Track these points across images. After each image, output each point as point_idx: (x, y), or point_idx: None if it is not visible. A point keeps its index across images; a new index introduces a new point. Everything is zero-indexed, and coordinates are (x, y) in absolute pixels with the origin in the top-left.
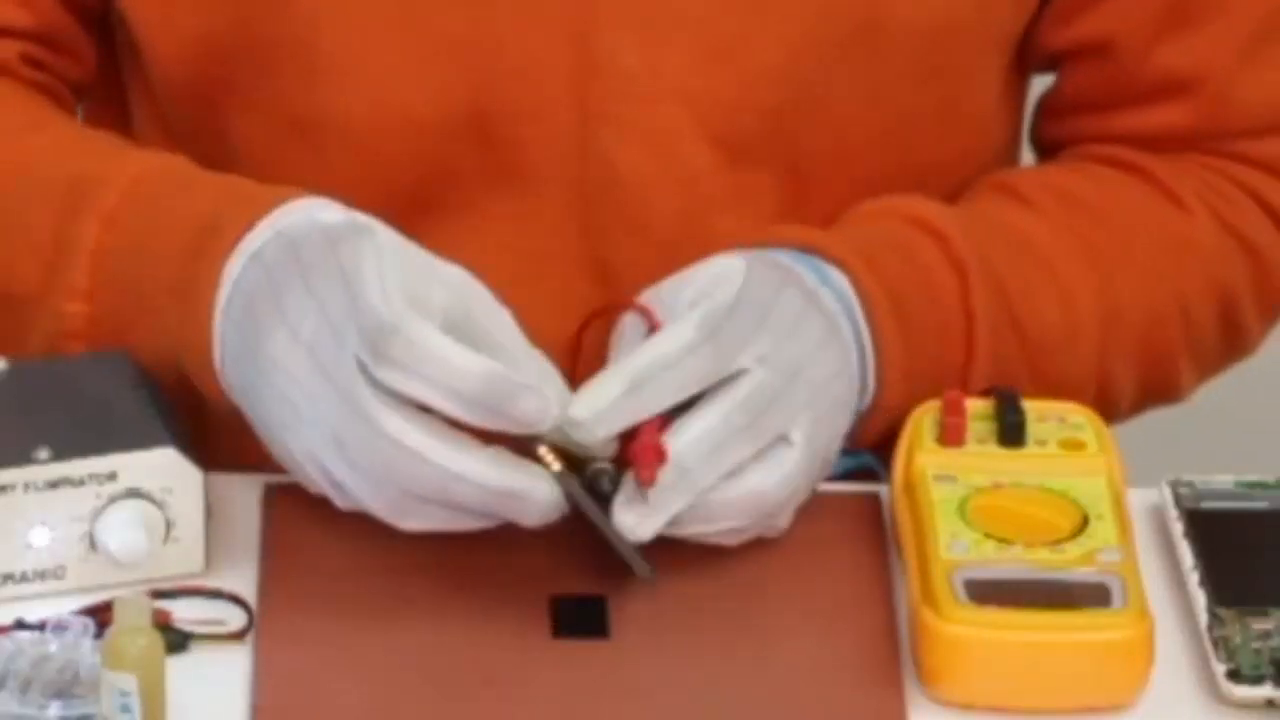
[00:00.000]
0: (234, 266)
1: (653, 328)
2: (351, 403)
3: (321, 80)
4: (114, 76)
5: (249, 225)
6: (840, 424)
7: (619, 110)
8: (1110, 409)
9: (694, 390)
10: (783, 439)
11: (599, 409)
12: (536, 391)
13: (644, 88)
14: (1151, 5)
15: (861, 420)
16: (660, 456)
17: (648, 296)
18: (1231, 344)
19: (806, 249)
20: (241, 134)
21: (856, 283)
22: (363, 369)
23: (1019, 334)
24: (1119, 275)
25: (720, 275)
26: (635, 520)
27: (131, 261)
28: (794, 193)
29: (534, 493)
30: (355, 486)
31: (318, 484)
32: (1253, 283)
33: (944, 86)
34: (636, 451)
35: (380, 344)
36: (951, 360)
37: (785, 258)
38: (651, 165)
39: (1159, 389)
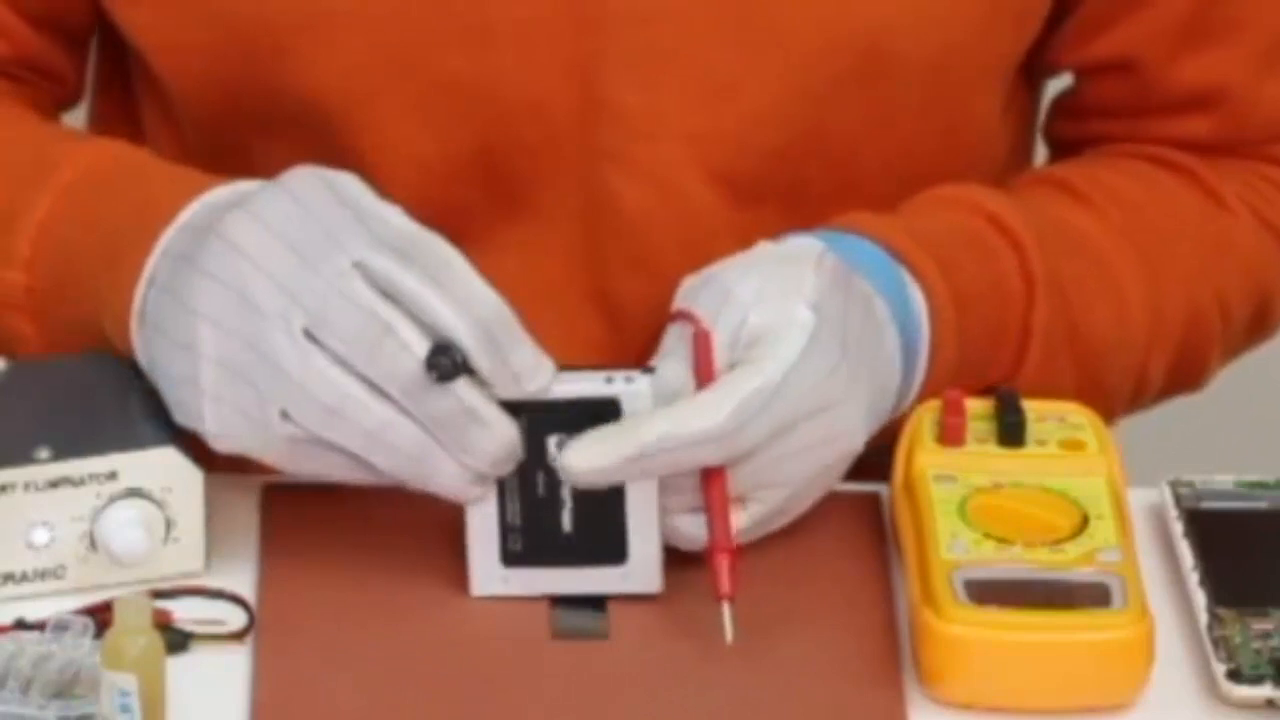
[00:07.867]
0: (165, 237)
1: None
2: (340, 288)
3: (330, 125)
4: (122, 84)
5: (186, 202)
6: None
7: (622, 148)
8: (1138, 404)
9: (699, 468)
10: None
11: (595, 466)
12: (537, 349)
13: (646, 126)
14: (1171, 22)
15: (895, 413)
16: (735, 559)
17: (691, 289)
18: (1259, 335)
19: (888, 249)
20: (260, 158)
21: (930, 295)
22: (360, 269)
23: (1073, 342)
24: (1166, 275)
25: (783, 319)
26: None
27: (75, 234)
28: (798, 226)
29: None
30: (269, 391)
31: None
32: None
33: (946, 113)
34: (710, 556)
35: (409, 247)
36: (999, 365)
37: (857, 254)
38: (654, 201)
39: (1185, 381)
